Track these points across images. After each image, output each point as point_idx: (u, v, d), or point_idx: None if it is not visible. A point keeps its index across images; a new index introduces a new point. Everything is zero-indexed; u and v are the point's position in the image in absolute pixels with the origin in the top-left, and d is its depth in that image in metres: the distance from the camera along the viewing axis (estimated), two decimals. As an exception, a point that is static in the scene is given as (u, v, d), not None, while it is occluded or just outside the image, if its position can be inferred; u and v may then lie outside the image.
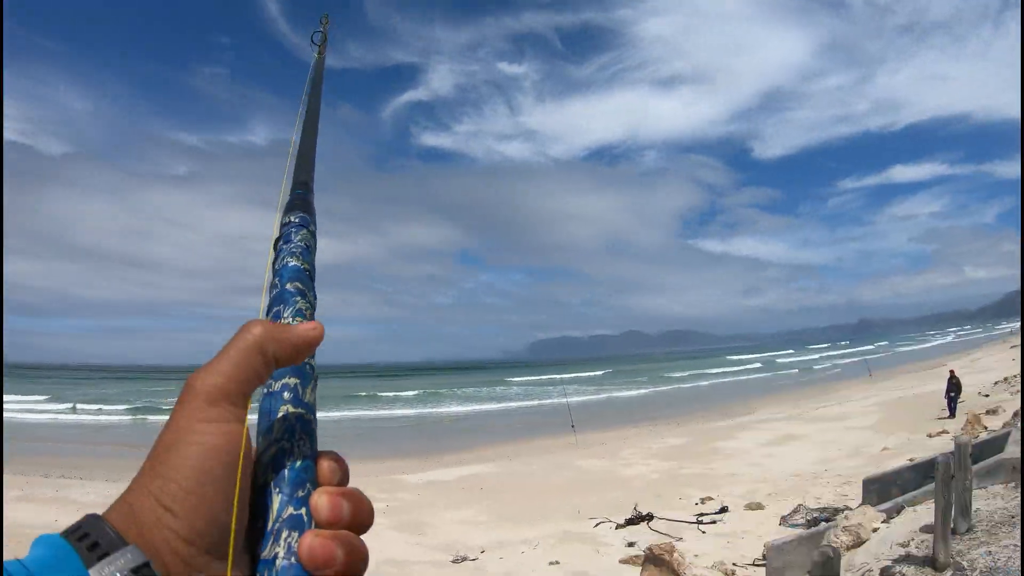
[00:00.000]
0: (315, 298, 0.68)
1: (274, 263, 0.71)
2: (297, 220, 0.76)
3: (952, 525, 5.71)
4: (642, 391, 45.55)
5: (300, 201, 0.80)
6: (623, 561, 8.77)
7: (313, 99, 1.09)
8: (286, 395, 0.57)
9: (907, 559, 5.64)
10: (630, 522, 10.79)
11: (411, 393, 47.96)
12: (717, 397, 37.33)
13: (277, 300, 0.66)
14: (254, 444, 0.55)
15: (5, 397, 38.26)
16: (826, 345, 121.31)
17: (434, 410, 37.57)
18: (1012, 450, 8.39)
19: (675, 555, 5.38)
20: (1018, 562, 4.99)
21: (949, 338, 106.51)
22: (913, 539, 6.09)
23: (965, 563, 5.22)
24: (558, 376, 52.04)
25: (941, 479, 5.45)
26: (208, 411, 0.52)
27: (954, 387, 19.24)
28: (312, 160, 0.90)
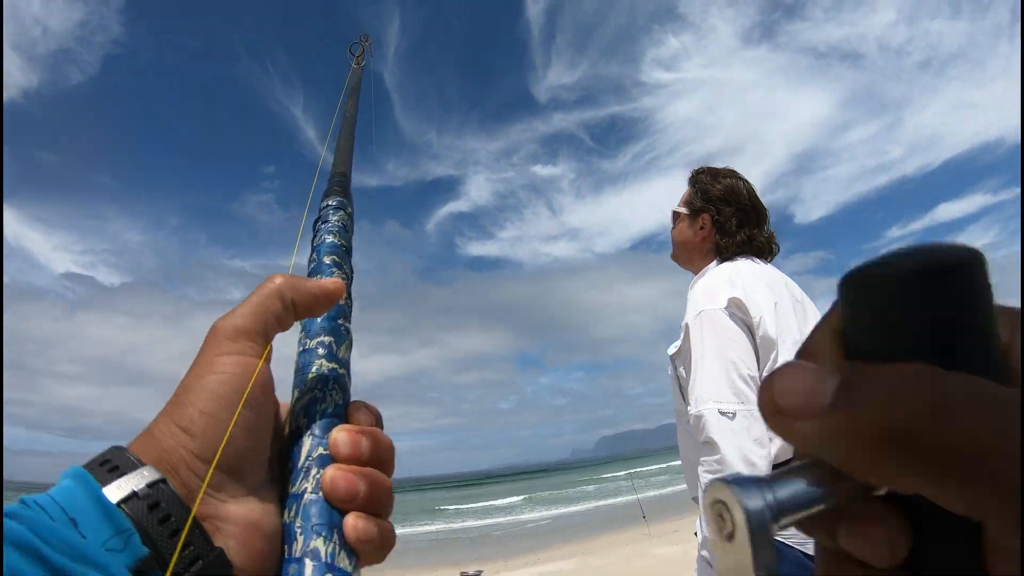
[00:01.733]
0: (351, 270, 0.72)
1: (312, 240, 0.74)
2: (335, 203, 0.79)
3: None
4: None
5: (338, 187, 0.84)
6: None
7: (351, 104, 1.16)
8: (320, 351, 0.60)
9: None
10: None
11: (479, 504, 47.81)
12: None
13: (315, 272, 0.69)
14: (287, 398, 0.58)
15: None
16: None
17: (507, 517, 37.49)
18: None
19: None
20: None
21: None
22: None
23: None
24: (623, 472, 51.13)
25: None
26: (228, 346, 0.54)
27: None
28: (350, 154, 0.95)
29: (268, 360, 0.55)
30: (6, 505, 0.42)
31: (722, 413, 1.82)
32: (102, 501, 0.45)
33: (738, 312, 2.00)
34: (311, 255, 0.71)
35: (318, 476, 0.52)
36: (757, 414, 1.11)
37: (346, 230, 0.76)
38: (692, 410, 1.89)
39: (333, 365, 0.59)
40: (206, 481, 0.49)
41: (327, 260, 0.69)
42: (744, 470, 1.66)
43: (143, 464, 0.48)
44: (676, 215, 2.47)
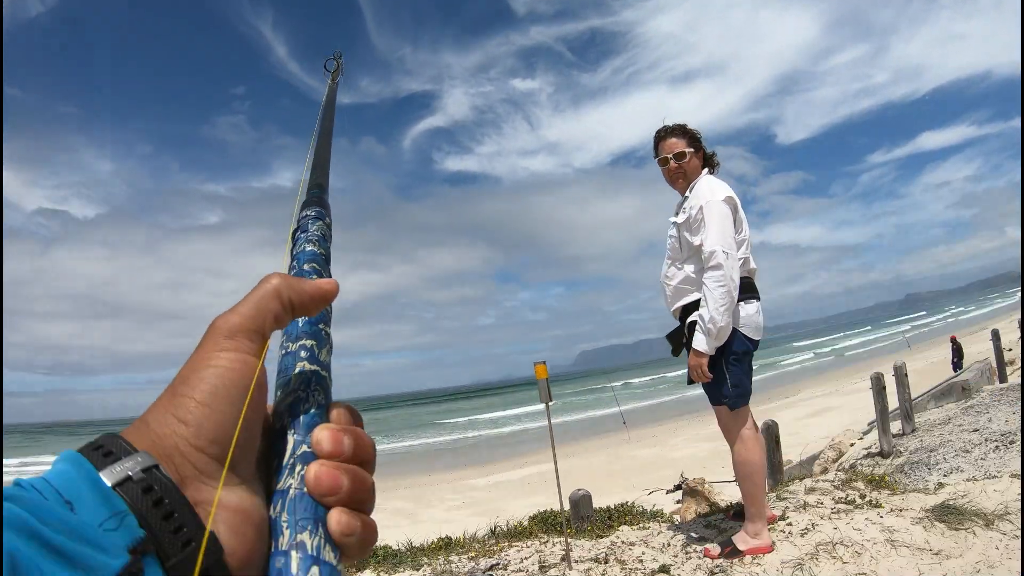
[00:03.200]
0: (330, 277, 0.71)
1: (292, 249, 0.76)
2: (314, 213, 0.81)
3: (902, 428, 7.64)
4: (689, 392, 46.49)
5: (316, 199, 0.85)
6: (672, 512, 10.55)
7: (327, 118, 1.16)
8: (303, 354, 0.61)
9: (868, 456, 7.40)
10: (677, 487, 12.50)
11: (464, 419, 49.68)
12: (763, 385, 38.44)
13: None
14: (272, 398, 0.59)
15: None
16: (868, 328, 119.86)
17: (490, 431, 39.20)
18: (964, 376, 10.26)
19: (706, 486, 7.12)
20: (938, 440, 6.73)
21: (997, 304, 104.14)
22: (875, 443, 7.85)
23: (902, 449, 6.98)
24: (602, 385, 53.27)
25: (875, 388, 7.27)
26: (226, 343, 0.55)
27: (956, 352, 21.14)
28: (327, 166, 0.96)
29: (264, 354, 0.57)
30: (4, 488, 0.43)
31: (725, 252, 3.34)
32: (98, 484, 0.47)
33: (730, 203, 3.52)
34: (291, 263, 0.73)
35: (303, 472, 0.54)
36: (736, 260, 3.31)
37: (325, 239, 0.78)
38: (707, 247, 3.37)
39: (315, 367, 0.61)
40: (226, 466, 0.51)
41: (307, 267, 0.71)
42: (734, 282, 3.32)
43: (137, 450, 0.50)
44: (683, 154, 3.75)
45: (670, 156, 3.74)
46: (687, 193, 3.67)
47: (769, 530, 3.53)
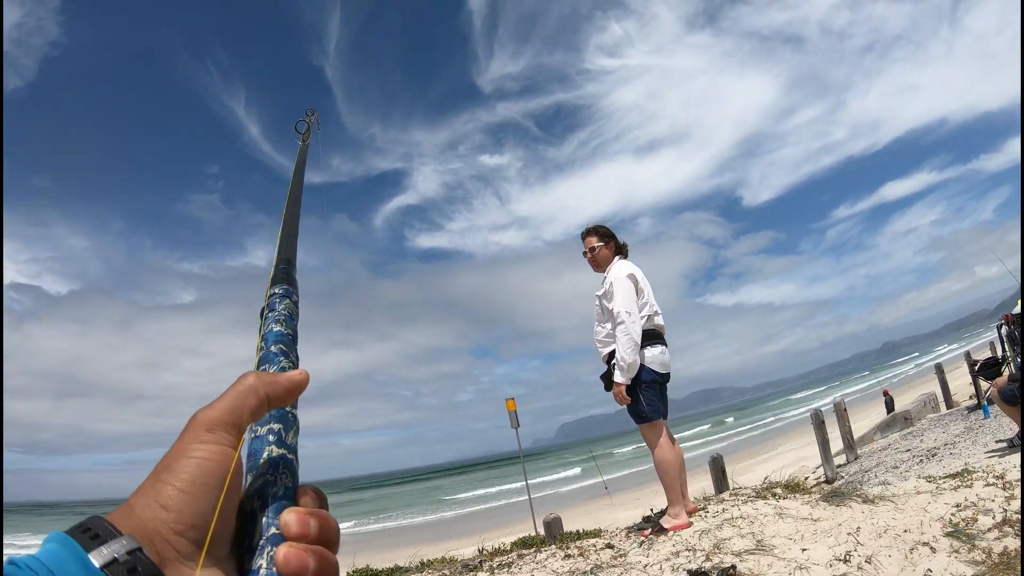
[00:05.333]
0: (297, 358, 0.74)
1: (260, 329, 0.77)
2: (281, 291, 0.82)
3: (846, 458, 8.50)
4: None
5: (284, 275, 0.86)
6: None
7: (295, 183, 1.18)
8: (271, 438, 0.63)
9: (816, 484, 8.20)
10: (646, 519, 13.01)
11: (447, 496, 49.01)
12: (744, 444, 38.96)
13: (263, 360, 0.72)
14: (244, 479, 0.61)
15: (30, 538, 38.00)
16: (838, 382, 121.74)
17: (474, 507, 38.78)
18: (907, 407, 11.22)
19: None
20: (875, 463, 7.58)
21: (954, 345, 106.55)
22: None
23: (844, 474, 7.77)
24: (585, 456, 53.17)
25: (814, 422, 8.13)
26: (206, 435, 0.58)
27: (888, 404, 23.40)
28: (295, 239, 0.97)
29: (239, 450, 0.60)
30: None
31: (628, 312, 4.65)
32: (88, 566, 0.52)
33: (631, 279, 4.83)
34: (259, 343, 0.75)
35: (272, 553, 0.58)
36: (637, 317, 4.70)
37: (292, 318, 0.79)
38: (616, 309, 4.69)
39: (283, 451, 0.63)
40: (204, 548, 0.56)
41: (274, 348, 0.72)
42: (635, 332, 4.63)
43: (121, 533, 0.55)
44: (596, 247, 5.13)
45: (587, 250, 5.21)
46: (605, 273, 5.08)
47: (690, 517, 4.63)
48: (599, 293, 4.98)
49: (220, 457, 0.60)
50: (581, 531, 5.60)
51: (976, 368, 10.34)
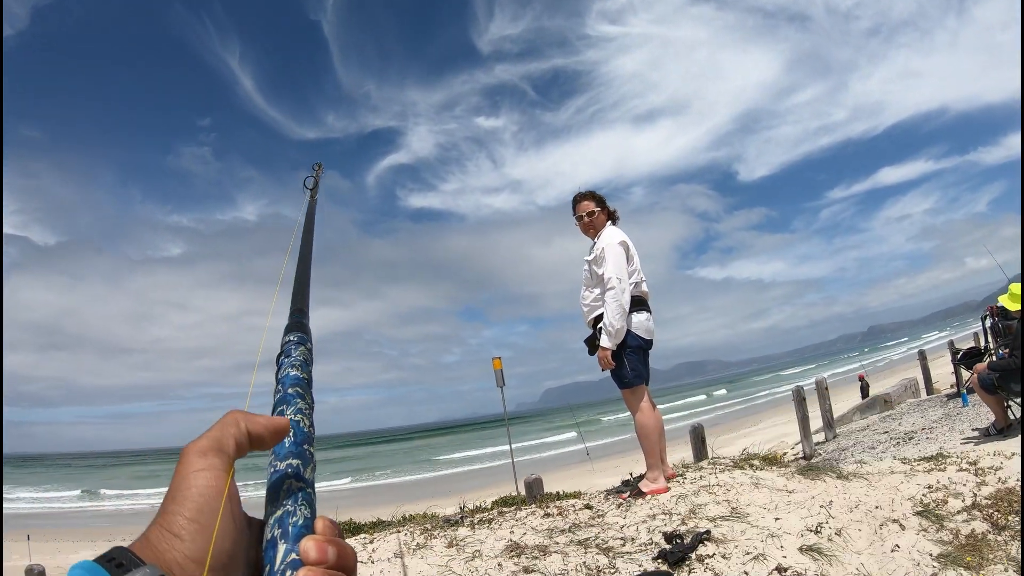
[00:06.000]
0: (313, 401, 0.79)
1: (277, 373, 0.81)
2: (295, 339, 0.87)
3: (825, 436, 8.66)
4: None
5: (297, 324, 0.91)
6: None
7: (306, 239, 1.21)
8: (289, 471, 0.67)
9: (795, 460, 8.36)
10: (625, 482, 13.28)
11: (431, 456, 49.55)
12: (726, 418, 39.51)
13: (281, 401, 0.76)
14: (259, 512, 0.66)
15: (17, 490, 38.40)
16: (824, 363, 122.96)
17: (457, 468, 39.31)
18: (888, 391, 11.48)
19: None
20: (852, 443, 7.74)
21: (944, 332, 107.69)
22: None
23: (822, 451, 7.94)
24: (568, 422, 53.87)
25: (795, 399, 8.27)
26: (199, 461, 0.62)
27: (863, 389, 24.28)
28: (307, 288, 1.02)
29: (232, 475, 0.64)
30: None
31: (618, 279, 4.70)
32: None
33: (623, 246, 4.89)
34: (276, 387, 0.78)
35: None
36: (627, 284, 4.76)
37: (307, 364, 0.83)
38: (606, 275, 4.73)
39: (301, 484, 0.66)
40: (207, 565, 0.58)
41: (291, 391, 0.76)
42: (625, 300, 4.70)
43: (145, 563, 0.57)
44: (595, 211, 5.16)
45: (584, 214, 5.19)
46: (596, 239, 5.11)
47: (668, 482, 4.74)
48: (588, 258, 5.04)
49: (218, 481, 0.63)
50: (561, 492, 5.72)
51: (958, 357, 10.51)
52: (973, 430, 7.42)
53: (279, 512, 0.64)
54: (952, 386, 13.48)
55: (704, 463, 5.63)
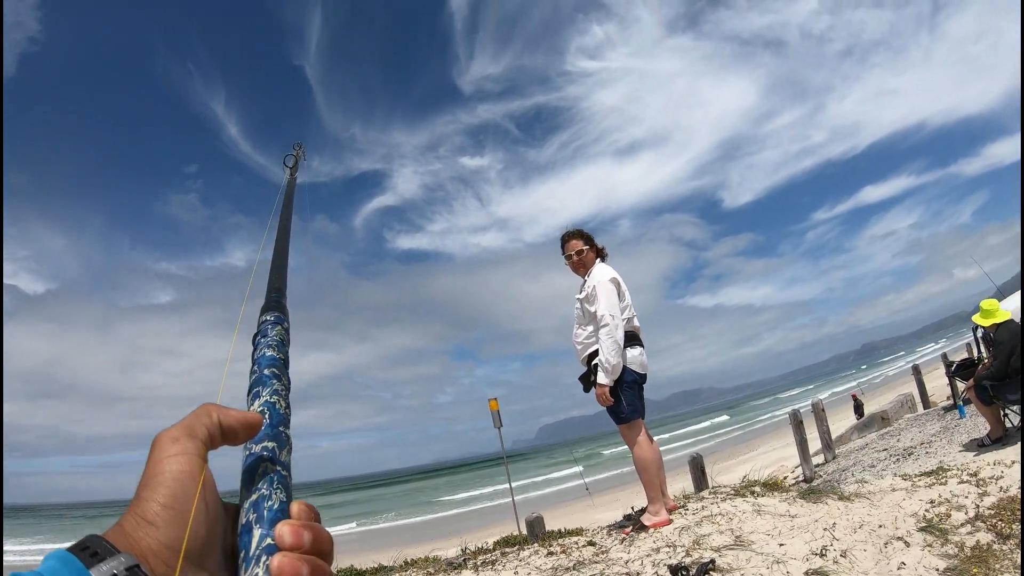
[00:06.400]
0: (289, 382, 0.77)
1: (253, 354, 0.79)
2: (272, 318, 0.85)
3: (824, 457, 8.60)
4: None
5: (274, 303, 0.89)
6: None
7: (284, 216, 1.19)
8: (265, 454, 0.65)
9: (795, 483, 8.28)
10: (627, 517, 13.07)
11: (429, 499, 48.81)
12: (723, 446, 39.26)
13: (257, 383, 0.74)
14: (235, 499, 0.63)
15: (6, 544, 36.35)
16: (811, 387, 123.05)
17: (457, 510, 38.70)
18: (885, 407, 11.44)
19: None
20: (852, 462, 7.69)
21: (935, 344, 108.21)
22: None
23: (822, 473, 7.88)
24: (565, 458, 53.35)
25: (792, 422, 8.23)
26: (172, 447, 0.60)
27: (858, 408, 24.24)
28: (285, 268, 0.99)
29: (206, 460, 0.62)
30: None
31: (611, 315, 4.70)
32: None
33: (614, 282, 4.89)
34: (252, 367, 0.77)
35: (267, 563, 0.60)
36: (620, 320, 4.76)
37: (284, 344, 0.82)
38: (599, 313, 4.73)
39: (277, 467, 0.65)
40: (182, 552, 0.58)
41: (267, 372, 0.75)
42: (619, 335, 4.69)
43: (119, 552, 0.57)
44: (584, 250, 5.15)
45: (572, 253, 5.21)
46: (586, 277, 5.12)
47: (670, 514, 4.71)
48: (580, 296, 5.05)
49: (191, 466, 0.62)
50: (563, 530, 5.64)
51: (952, 369, 10.55)
52: (971, 441, 7.42)
53: (254, 496, 0.63)
54: (948, 398, 13.51)
55: (705, 493, 5.58)
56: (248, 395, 0.74)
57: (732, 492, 5.23)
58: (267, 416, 0.70)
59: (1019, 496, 4.31)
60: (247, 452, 0.66)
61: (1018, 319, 7.08)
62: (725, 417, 78.65)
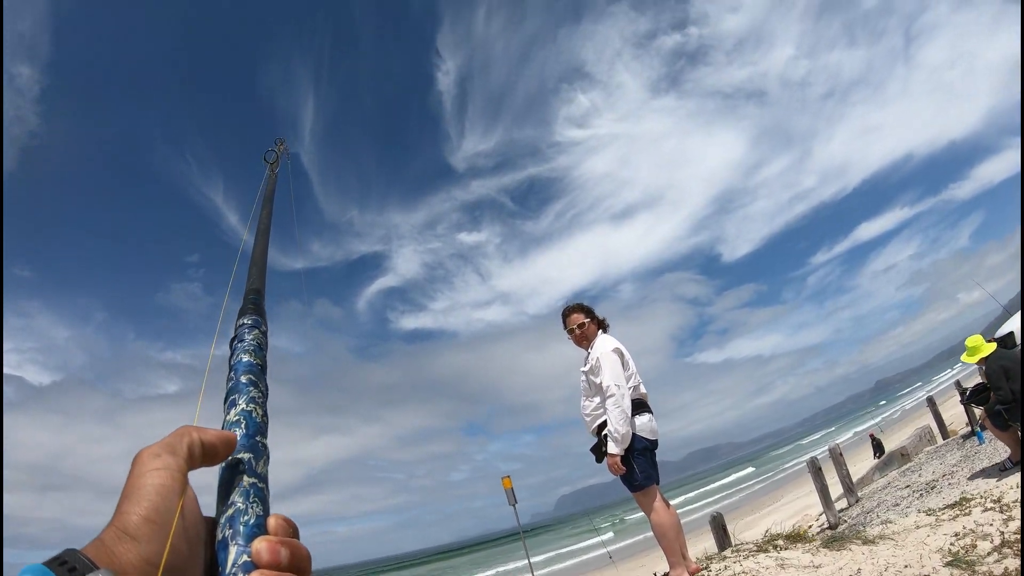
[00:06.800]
0: (266, 388, 0.73)
1: (230, 359, 0.77)
2: (250, 322, 0.81)
3: (847, 502, 8.27)
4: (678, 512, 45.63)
5: (252, 305, 0.84)
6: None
7: (264, 215, 1.17)
8: (241, 467, 0.63)
9: (820, 531, 7.93)
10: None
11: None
12: (747, 500, 38.21)
13: (233, 390, 0.73)
14: (213, 511, 0.62)
15: None
16: (833, 429, 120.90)
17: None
18: (904, 443, 11.08)
19: None
20: (876, 503, 7.38)
21: (950, 371, 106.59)
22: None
23: (846, 518, 7.56)
24: (585, 528, 51.82)
25: (811, 469, 7.93)
26: (153, 461, 0.61)
27: (877, 447, 23.45)
28: (263, 268, 0.93)
29: (187, 476, 0.62)
30: None
31: (617, 385, 4.65)
32: None
33: (617, 352, 4.85)
34: (228, 374, 0.75)
35: None
36: (626, 389, 4.68)
37: (261, 348, 0.77)
38: (605, 383, 4.69)
39: (253, 480, 0.63)
40: (161, 567, 0.56)
41: (244, 379, 0.72)
42: (626, 405, 4.60)
43: (97, 567, 0.57)
44: (585, 323, 5.13)
45: (575, 327, 5.21)
46: (589, 350, 5.11)
47: None
48: (585, 369, 5.05)
49: (171, 480, 0.61)
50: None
51: (967, 396, 10.33)
52: (992, 466, 7.22)
53: (230, 511, 0.62)
54: (967, 425, 13.20)
55: (728, 551, 5.35)
56: (224, 403, 0.73)
57: (755, 548, 5.01)
58: (243, 425, 0.69)
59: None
60: (223, 463, 0.65)
61: (1019, 338, 7.01)
62: (751, 469, 76.81)
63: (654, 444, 4.89)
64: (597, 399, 4.92)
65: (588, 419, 5.03)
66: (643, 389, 5.04)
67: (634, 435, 4.75)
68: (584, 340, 5.20)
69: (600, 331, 5.25)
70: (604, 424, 4.82)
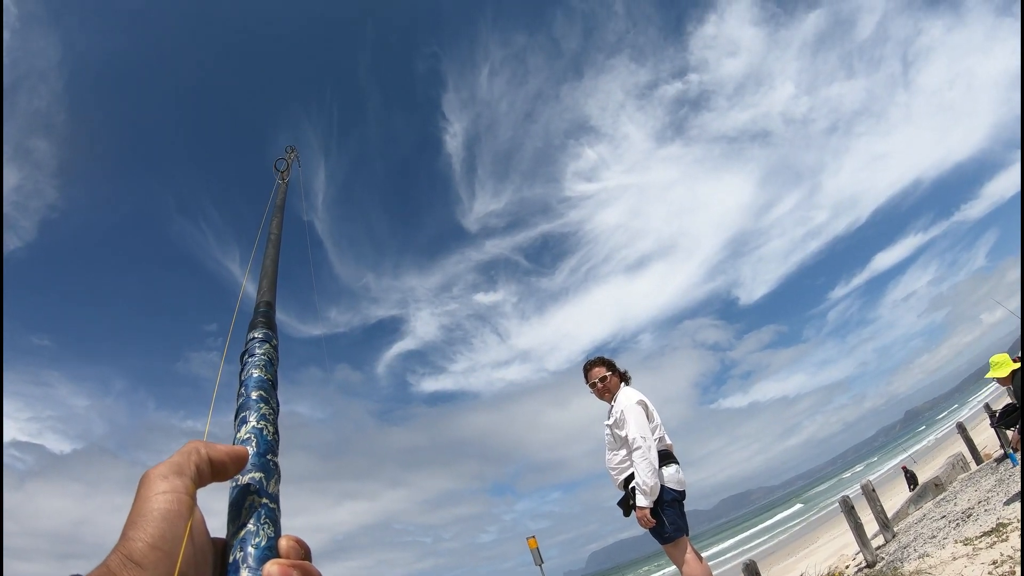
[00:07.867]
0: (278, 404, 0.73)
1: (240, 374, 0.77)
2: (260, 336, 0.81)
3: (883, 538, 8.04)
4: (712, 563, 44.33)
5: (263, 319, 0.83)
6: None
7: (274, 224, 1.14)
8: (252, 487, 0.63)
9: (859, 571, 7.69)
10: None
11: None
12: (783, 544, 37.04)
13: (243, 407, 0.72)
14: (223, 532, 0.62)
15: None
16: (871, 461, 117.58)
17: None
18: (936, 473, 10.80)
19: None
20: (912, 537, 7.17)
21: (979, 394, 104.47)
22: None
23: (884, 555, 7.34)
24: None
25: (843, 508, 7.76)
26: (160, 483, 0.60)
27: (911, 479, 23.16)
28: (274, 281, 0.90)
29: (195, 498, 0.60)
30: None
31: (643, 437, 4.69)
32: None
33: (640, 404, 4.89)
34: (239, 389, 0.74)
35: None
36: (652, 441, 4.72)
37: (272, 363, 0.77)
38: (630, 436, 4.71)
39: (264, 500, 0.63)
40: None
41: (254, 395, 0.72)
42: (653, 456, 4.62)
43: None
44: (607, 376, 5.18)
45: (596, 380, 5.25)
46: (612, 403, 5.15)
47: None
48: (608, 422, 5.06)
49: (179, 505, 0.60)
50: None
51: (997, 418, 10.13)
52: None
53: (241, 533, 0.60)
54: (999, 448, 12.88)
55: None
56: (235, 420, 0.72)
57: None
58: (254, 444, 0.68)
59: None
60: (233, 484, 0.64)
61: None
62: (799, 506, 74.65)
63: (682, 495, 4.87)
64: (622, 452, 4.92)
65: (614, 472, 5.02)
66: (668, 440, 5.05)
67: (662, 486, 4.73)
68: (607, 393, 5.21)
69: (622, 383, 5.26)
70: (631, 477, 4.82)
